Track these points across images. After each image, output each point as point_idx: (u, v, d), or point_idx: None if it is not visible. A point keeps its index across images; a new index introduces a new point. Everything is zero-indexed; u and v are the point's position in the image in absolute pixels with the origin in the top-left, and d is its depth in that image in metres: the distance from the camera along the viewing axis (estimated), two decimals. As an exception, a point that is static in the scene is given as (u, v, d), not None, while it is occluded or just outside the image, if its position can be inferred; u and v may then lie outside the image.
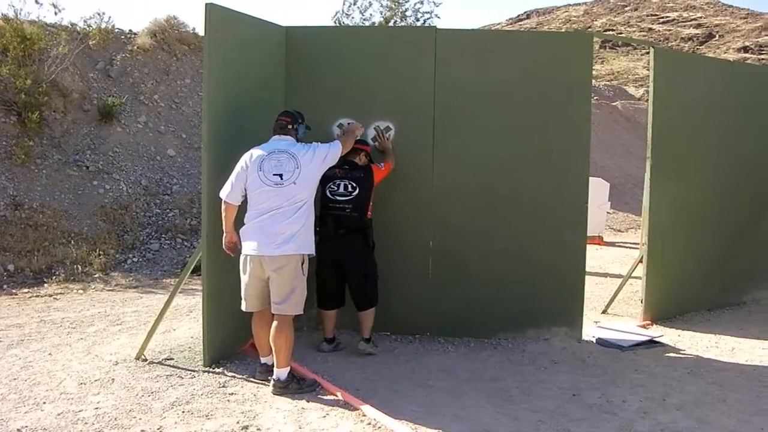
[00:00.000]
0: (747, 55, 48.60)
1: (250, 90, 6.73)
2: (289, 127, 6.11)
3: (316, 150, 6.01)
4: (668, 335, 7.93)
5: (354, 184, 6.80)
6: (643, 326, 8.27)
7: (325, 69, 7.36)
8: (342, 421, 5.21)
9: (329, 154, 6.07)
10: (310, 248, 5.94)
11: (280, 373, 5.72)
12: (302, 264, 5.86)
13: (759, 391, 6.31)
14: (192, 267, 6.61)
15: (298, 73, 7.32)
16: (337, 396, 5.57)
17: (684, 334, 8.09)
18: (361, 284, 6.88)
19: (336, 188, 6.82)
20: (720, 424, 5.50)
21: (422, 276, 7.40)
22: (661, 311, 8.50)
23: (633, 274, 8.96)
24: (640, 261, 8.59)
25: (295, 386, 5.72)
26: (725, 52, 47.45)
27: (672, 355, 7.37)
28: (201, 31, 13.09)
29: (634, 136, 22.16)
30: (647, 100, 8.63)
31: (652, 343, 7.63)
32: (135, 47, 15.85)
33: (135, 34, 16.48)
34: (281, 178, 5.76)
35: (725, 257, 9.27)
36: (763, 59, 44.94)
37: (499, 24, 74.01)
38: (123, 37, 16.12)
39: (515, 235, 7.01)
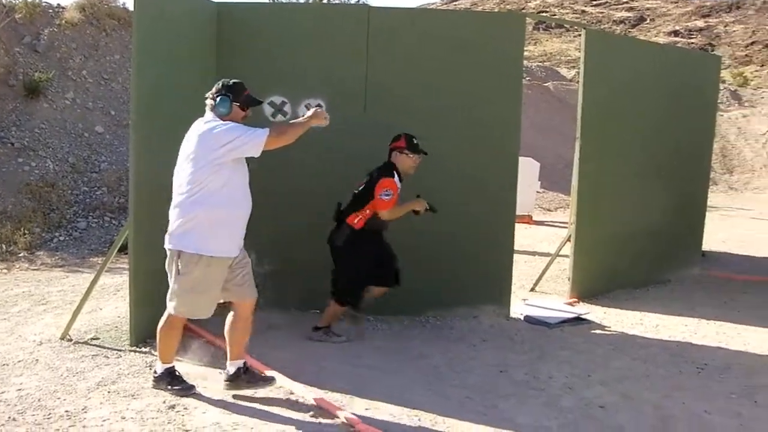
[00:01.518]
0: (677, 38, 49.46)
1: (180, 67, 6.60)
2: (208, 101, 5.19)
3: (219, 131, 4.94)
4: (594, 312, 8.08)
5: (367, 179, 6.60)
6: (570, 304, 8.40)
7: (256, 46, 7.27)
8: (271, 399, 5.22)
9: (236, 140, 4.91)
10: (196, 246, 4.98)
11: (157, 366, 5.37)
12: (177, 261, 5.04)
13: (681, 367, 6.49)
14: (119, 245, 6.52)
15: (229, 50, 7.21)
16: (264, 374, 5.55)
17: (610, 311, 8.25)
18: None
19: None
20: (643, 399, 5.66)
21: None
22: (587, 289, 8.64)
23: (561, 253, 9.08)
24: (568, 240, 8.71)
25: (173, 385, 5.29)
26: (656, 36, 48.25)
27: (598, 331, 7.51)
28: (131, 6, 12.83)
29: (565, 117, 22.37)
30: (579, 81, 8.73)
31: (578, 320, 7.77)
32: (63, 21, 15.45)
33: (63, 8, 16.06)
34: (181, 159, 5.14)
35: (651, 237, 9.45)
36: (692, 43, 45.82)
37: (434, 4, 74.01)
38: (51, 11, 15.70)
39: (444, 214, 7.04)
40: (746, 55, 45.70)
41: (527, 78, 25.55)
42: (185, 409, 4.98)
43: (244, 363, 5.36)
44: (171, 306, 5.15)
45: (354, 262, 6.55)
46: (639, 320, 7.93)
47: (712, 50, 41.08)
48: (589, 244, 8.56)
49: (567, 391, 5.75)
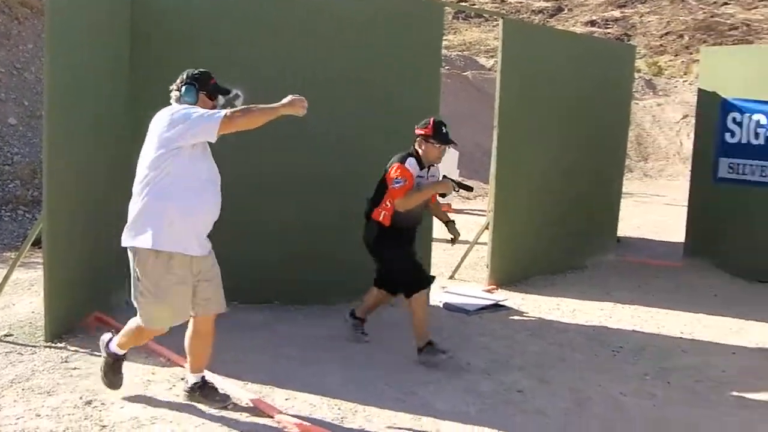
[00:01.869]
0: (594, 28, 50.19)
1: (95, 54, 6.38)
2: (174, 92, 4.84)
3: (175, 114, 4.58)
4: (513, 299, 8.18)
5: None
6: (489, 290, 8.49)
7: (174, 31, 7.10)
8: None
9: (189, 122, 4.51)
10: (151, 241, 4.53)
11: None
12: (136, 260, 4.62)
13: (597, 350, 6.64)
14: (33, 239, 6.35)
15: (146, 36, 7.01)
16: (183, 366, 5.47)
17: (528, 297, 8.36)
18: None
19: None
20: (559, 382, 5.77)
21: (270, 245, 7.32)
22: (506, 276, 8.74)
23: (479, 241, 9.16)
24: (486, 227, 8.79)
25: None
26: (573, 26, 48.87)
27: (516, 317, 7.61)
28: (42, -7, 12.50)
29: (484, 105, 22.48)
30: (497, 70, 8.81)
31: (497, 306, 7.85)
32: (-28, 9, 15.03)
33: (-28, -4, 15.63)
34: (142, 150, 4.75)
35: (568, 224, 9.60)
36: (608, 33, 46.50)
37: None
38: (-41, -2, 15.26)
39: (359, 202, 7.04)
40: (661, 45, 46.60)
41: (446, 67, 25.63)
42: (102, 404, 4.87)
43: (203, 378, 5.02)
44: (142, 318, 4.72)
45: (394, 256, 6.14)
46: (556, 305, 8.06)
47: (628, 40, 41.80)
48: (506, 232, 8.65)
49: (485, 377, 5.81)
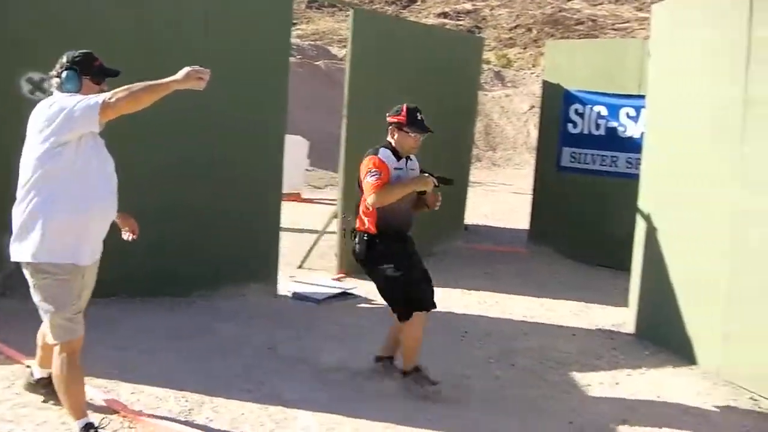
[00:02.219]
0: (446, 20, 50.97)
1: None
2: (54, 80, 4.28)
3: (54, 106, 4.04)
4: (362, 287, 8.17)
5: None
6: (338, 279, 8.48)
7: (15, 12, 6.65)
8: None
9: (67, 111, 3.97)
10: (41, 254, 4.04)
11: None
12: (37, 275, 4.11)
13: (444, 335, 6.73)
14: None
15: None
16: (23, 363, 5.22)
17: (377, 285, 8.38)
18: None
19: None
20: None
21: (115, 236, 7.06)
22: (355, 264, 8.70)
23: (329, 230, 9.14)
24: (335, 216, 8.77)
25: None
26: (426, 17, 49.47)
27: (365, 305, 7.64)
28: None
29: (336, 95, 22.53)
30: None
31: (345, 295, 7.86)
32: None
33: None
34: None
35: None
36: (460, 25, 47.29)
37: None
38: None
39: (208, 192, 6.90)
40: (510, 38, 47.76)
41: (298, 56, 25.58)
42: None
43: (50, 374, 4.52)
44: (54, 335, 4.21)
45: (386, 269, 5.34)
46: (405, 293, 8.11)
47: (479, 32, 42.64)
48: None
49: (335, 365, 5.81)
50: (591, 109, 10.34)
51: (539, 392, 5.58)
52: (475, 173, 21.06)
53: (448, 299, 7.92)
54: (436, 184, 5.45)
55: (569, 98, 10.57)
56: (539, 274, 9.43)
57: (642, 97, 8.10)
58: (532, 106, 27.45)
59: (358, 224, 5.42)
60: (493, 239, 11.84)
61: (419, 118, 5.42)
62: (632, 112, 9.91)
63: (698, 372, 6.16)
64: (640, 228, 7.08)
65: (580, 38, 35.66)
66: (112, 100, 3.93)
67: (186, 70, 4.12)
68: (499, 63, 37.44)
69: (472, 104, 11.31)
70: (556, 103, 10.69)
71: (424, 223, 9.76)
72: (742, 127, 5.84)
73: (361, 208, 5.36)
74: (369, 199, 5.20)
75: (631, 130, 9.98)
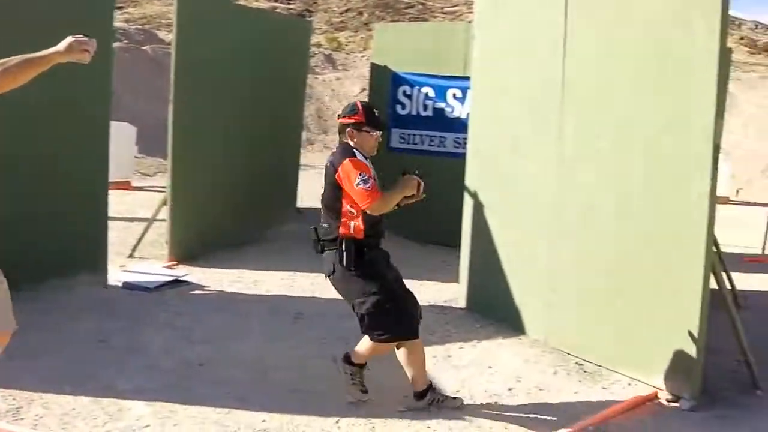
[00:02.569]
0: (277, 4, 50.49)
1: None
2: None
3: None
4: (194, 274, 8.10)
5: (325, 176, 4.93)
6: (170, 267, 8.36)
7: None
8: None
9: None
10: None
11: None
12: None
13: (278, 319, 6.77)
14: None
15: None
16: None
17: (209, 271, 8.31)
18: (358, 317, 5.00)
19: None
20: (242, 352, 5.86)
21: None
22: (186, 251, 8.62)
23: (159, 217, 8.99)
24: (164, 203, 8.63)
25: None
26: (257, 1, 48.99)
27: (198, 292, 7.57)
28: None
29: (164, 80, 22.05)
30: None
31: (178, 282, 7.76)
32: None
33: None
34: None
35: (247, 196, 9.65)
36: (291, 9, 47.01)
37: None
38: None
39: (33, 184, 6.65)
40: (341, 22, 47.90)
41: (125, 41, 24.84)
42: None
43: None
44: None
45: (376, 285, 4.89)
46: (237, 278, 8.10)
47: (310, 16, 42.59)
48: (185, 207, 8.54)
49: (168, 353, 5.76)
50: (419, 90, 10.56)
51: (376, 370, 5.67)
52: (308, 156, 21.07)
53: (281, 282, 7.97)
54: (420, 181, 5.00)
55: (397, 80, 10.75)
56: (371, 254, 9.56)
57: (468, 78, 8.33)
58: (363, 89, 27.61)
59: (341, 231, 4.82)
60: (325, 220, 11.90)
61: (376, 114, 4.99)
62: (459, 93, 10.19)
63: (526, 341, 6.45)
64: (468, 205, 7.29)
65: (410, 21, 36.10)
66: None
67: (68, 40, 3.70)
68: (330, 46, 37.51)
69: (300, 87, 11.35)
70: (385, 86, 10.85)
71: (257, 207, 9.82)
72: (560, 108, 6.13)
73: (343, 212, 4.80)
74: (366, 207, 4.71)
75: (458, 110, 10.25)
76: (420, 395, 4.97)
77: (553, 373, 5.86)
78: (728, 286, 7.74)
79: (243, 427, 4.61)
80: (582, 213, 5.98)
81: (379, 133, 5.02)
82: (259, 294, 7.54)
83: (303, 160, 12.55)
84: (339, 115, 5.00)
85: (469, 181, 7.33)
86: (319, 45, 34.14)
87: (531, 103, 6.44)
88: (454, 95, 10.29)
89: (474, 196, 7.16)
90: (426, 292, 7.77)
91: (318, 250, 5.02)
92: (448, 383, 5.47)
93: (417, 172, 5.03)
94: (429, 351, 6.01)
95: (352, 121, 4.90)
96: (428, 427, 4.78)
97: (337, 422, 4.77)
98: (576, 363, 6.06)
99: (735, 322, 5.91)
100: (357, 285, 4.86)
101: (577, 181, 5.86)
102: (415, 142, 10.61)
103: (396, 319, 4.85)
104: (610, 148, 5.73)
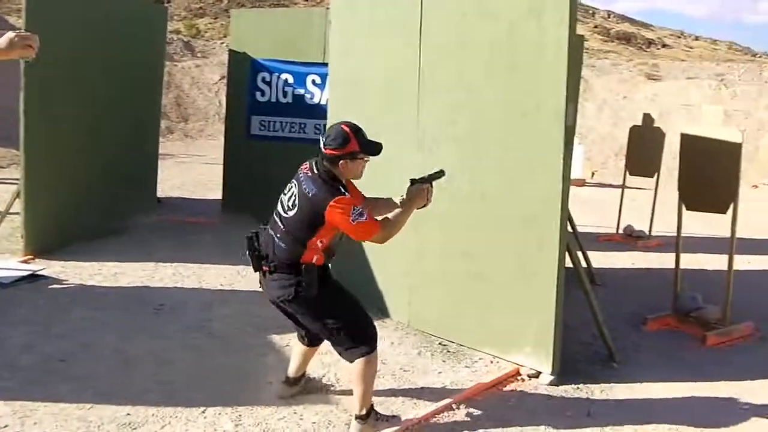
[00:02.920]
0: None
1: None
2: None
3: None
4: (52, 267, 7.86)
5: (298, 201, 4.50)
6: (26, 261, 8.09)
7: None
8: None
9: None
10: None
11: None
12: None
13: (140, 310, 6.68)
14: None
15: None
16: None
17: (68, 264, 8.06)
18: (323, 334, 4.74)
19: (287, 192, 4.64)
20: (104, 345, 5.78)
21: None
22: (43, 244, 8.35)
23: (12, 210, 8.69)
24: (18, 196, 8.34)
25: None
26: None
27: (56, 286, 7.35)
28: None
29: (16, 69, 21.32)
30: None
31: (35, 277, 7.52)
32: None
33: None
34: None
35: (106, 187, 9.42)
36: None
37: None
38: None
39: None
40: (200, 8, 47.23)
41: (-30, 27, 23.80)
42: None
43: None
44: None
45: (341, 305, 4.68)
46: (98, 270, 7.90)
47: (168, 2, 41.73)
48: (40, 199, 8.27)
49: (26, 350, 5.61)
50: (278, 77, 10.55)
51: (239, 357, 5.71)
52: (168, 145, 20.77)
53: (142, 273, 7.86)
54: (431, 186, 4.80)
55: (256, 67, 10.70)
56: (234, 242, 9.38)
57: (326, 65, 8.37)
58: (223, 77, 27.31)
59: (304, 257, 4.46)
60: (187, 211, 11.76)
61: (366, 136, 4.57)
62: (318, 79, 10.23)
63: (391, 324, 6.59)
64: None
65: (270, 7, 35.87)
66: None
67: (9, 36, 3.47)
68: (189, 33, 36.95)
69: (158, 75, 11.15)
70: (244, 72, 10.79)
71: (116, 198, 9.62)
72: (417, 94, 6.26)
73: (311, 243, 4.45)
74: (368, 239, 4.53)
75: (317, 97, 10.30)
76: (363, 417, 4.61)
77: (417, 354, 6.02)
78: (584, 265, 8.14)
79: (107, 421, 4.56)
80: (441, 197, 6.12)
81: (368, 157, 4.61)
82: (120, 286, 7.40)
83: (162, 150, 12.36)
84: (324, 144, 4.48)
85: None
86: (177, 32, 33.63)
87: (389, 90, 6.55)
88: (313, 81, 10.32)
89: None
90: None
91: (258, 268, 4.64)
92: (313, 368, 5.53)
93: (437, 172, 4.86)
94: (293, 337, 6.07)
95: (348, 151, 4.46)
96: (295, 413, 4.84)
97: (203, 412, 4.78)
98: (440, 344, 6.25)
99: (590, 299, 6.21)
100: (322, 306, 4.56)
101: (436, 165, 6.01)
102: (275, 128, 10.60)
103: (364, 332, 4.63)
104: (466, 133, 5.91)
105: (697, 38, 66.34)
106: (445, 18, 6.09)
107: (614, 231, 11.87)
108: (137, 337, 5.96)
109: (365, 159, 4.58)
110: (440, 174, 4.87)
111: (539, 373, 5.64)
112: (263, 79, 10.67)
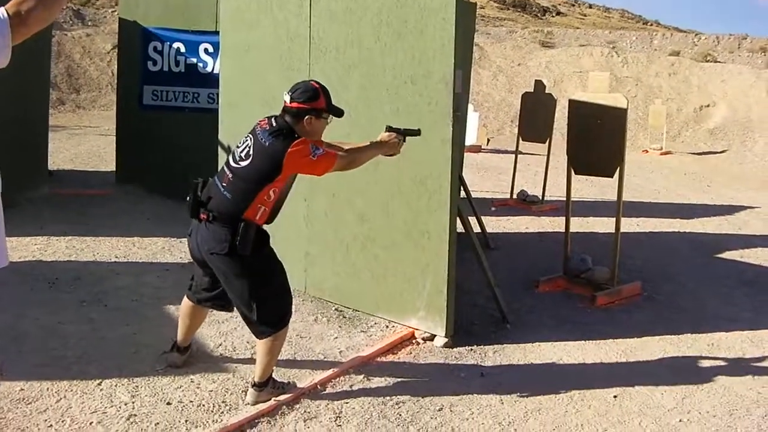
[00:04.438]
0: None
1: None
2: None
3: None
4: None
5: (253, 152, 4.37)
6: None
7: None
8: None
9: None
10: None
11: None
12: None
13: (32, 284, 6.55)
14: None
15: None
16: None
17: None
18: (240, 305, 4.56)
19: (241, 144, 4.50)
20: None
21: None
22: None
23: None
24: None
25: None
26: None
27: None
28: None
29: None
30: None
31: None
32: None
33: None
34: None
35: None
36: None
37: None
38: None
39: None
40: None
41: None
42: None
43: None
44: None
45: (271, 273, 4.57)
46: None
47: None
48: None
49: None
50: (170, 46, 10.37)
51: (135, 328, 5.67)
52: (59, 117, 20.27)
53: (34, 248, 7.68)
54: (403, 139, 4.82)
55: (147, 36, 10.49)
56: (128, 213, 9.40)
57: (218, 33, 8.27)
58: (115, 46, 26.68)
59: (248, 212, 4.33)
60: (80, 183, 11.53)
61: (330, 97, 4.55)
62: (210, 48, 10.09)
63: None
64: (222, 160, 7.30)
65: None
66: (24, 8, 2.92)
67: None
68: (79, 1, 35.85)
69: (45, 44, 10.82)
70: (135, 41, 10.57)
71: (5, 173, 9.29)
72: (308, 61, 6.28)
73: (260, 195, 4.33)
74: (329, 170, 4.41)
75: (210, 66, 10.17)
76: (261, 385, 4.60)
77: (313, 321, 6.09)
78: (478, 229, 8.31)
79: (0, 397, 4.46)
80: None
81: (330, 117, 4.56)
82: (12, 261, 7.17)
83: (54, 122, 12.06)
84: (291, 98, 4.41)
85: (222, 134, 7.35)
86: (70, 0, 32.47)
87: (280, 58, 6.54)
88: (206, 50, 10.19)
89: (228, 150, 7.17)
90: (184, 249, 7.72)
91: (195, 216, 4.46)
92: (209, 337, 5.54)
93: (413, 130, 4.89)
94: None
95: (313, 107, 4.41)
96: (192, 382, 4.84)
97: (99, 384, 4.74)
98: (336, 310, 6.33)
99: (482, 262, 6.37)
100: (251, 271, 4.42)
101: (330, 133, 6.04)
102: (168, 98, 10.43)
103: (284, 310, 4.58)
104: (358, 99, 5.95)
105: (590, 6, 67.53)
106: (334, -15, 6.10)
107: (509, 196, 12.12)
108: (30, 312, 5.82)
109: (328, 120, 4.54)
110: (416, 132, 4.90)
111: (434, 336, 5.77)
112: (155, 49, 10.47)
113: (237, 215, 4.31)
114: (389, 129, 4.79)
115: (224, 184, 4.39)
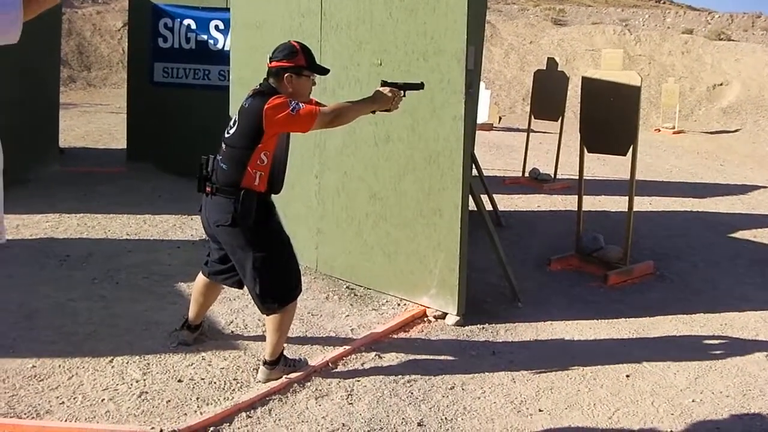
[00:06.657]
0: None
1: None
2: None
3: None
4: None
5: (237, 117, 4.39)
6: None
7: None
8: None
9: None
10: None
11: None
12: None
13: (44, 262, 6.56)
14: None
15: None
16: None
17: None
18: (245, 279, 4.55)
19: (231, 119, 4.50)
20: (6, 299, 5.62)
21: None
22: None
23: None
24: None
25: None
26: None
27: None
28: None
29: None
30: None
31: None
32: None
33: None
34: None
35: (6, 140, 9.12)
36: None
37: None
38: None
39: None
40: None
41: None
42: None
43: None
44: None
45: (276, 245, 4.54)
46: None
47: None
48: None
49: None
50: (181, 23, 10.32)
51: (147, 305, 5.67)
52: (70, 95, 20.27)
53: (45, 225, 7.69)
54: (403, 95, 4.59)
55: (158, 13, 10.44)
56: (140, 191, 9.40)
57: (229, 9, 8.22)
58: (126, 23, 26.66)
59: (244, 180, 4.30)
60: (91, 161, 11.54)
61: (313, 55, 4.51)
62: (221, 24, 10.05)
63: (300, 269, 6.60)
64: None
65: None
66: None
67: None
68: (89, -22, 35.75)
69: (55, 21, 10.78)
70: (146, 18, 10.52)
71: (17, 148, 9.29)
72: (319, 38, 6.22)
73: (252, 160, 4.28)
74: (312, 125, 4.26)
75: (221, 42, 10.13)
76: (272, 363, 4.59)
77: (325, 299, 6.07)
78: (490, 207, 8.27)
79: (12, 374, 4.48)
80: (345, 141, 6.15)
81: (316, 77, 4.54)
82: (23, 239, 7.21)
83: (65, 99, 12.05)
84: (271, 58, 4.40)
85: (233, 111, 7.28)
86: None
87: (291, 34, 6.46)
88: (216, 27, 10.15)
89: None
90: (196, 226, 7.73)
91: (202, 190, 4.46)
92: (221, 315, 5.53)
93: (416, 83, 4.70)
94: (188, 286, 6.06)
95: (292, 64, 4.36)
96: (203, 359, 4.84)
97: (110, 361, 4.73)
98: (347, 287, 6.31)
99: (494, 240, 6.32)
100: (255, 242, 4.39)
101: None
102: (179, 75, 10.40)
103: (289, 284, 4.57)
104: (368, 76, 5.89)
105: (602, -17, 67.04)
106: (346, -39, 6.04)
107: (520, 174, 12.08)
108: (42, 289, 5.84)
109: (312, 78, 4.48)
110: (418, 86, 4.70)
111: (445, 314, 5.74)
112: (165, 25, 10.43)
113: (236, 184, 4.30)
114: (384, 84, 4.58)
115: (220, 156, 4.41)
